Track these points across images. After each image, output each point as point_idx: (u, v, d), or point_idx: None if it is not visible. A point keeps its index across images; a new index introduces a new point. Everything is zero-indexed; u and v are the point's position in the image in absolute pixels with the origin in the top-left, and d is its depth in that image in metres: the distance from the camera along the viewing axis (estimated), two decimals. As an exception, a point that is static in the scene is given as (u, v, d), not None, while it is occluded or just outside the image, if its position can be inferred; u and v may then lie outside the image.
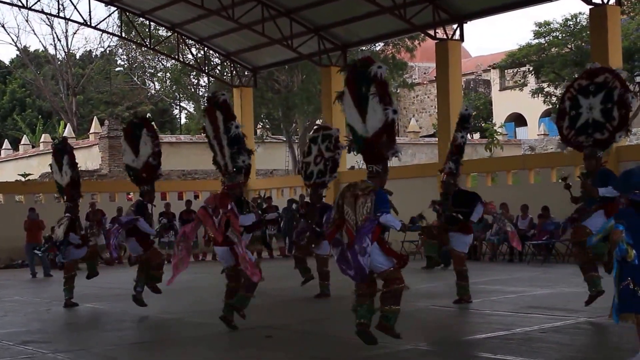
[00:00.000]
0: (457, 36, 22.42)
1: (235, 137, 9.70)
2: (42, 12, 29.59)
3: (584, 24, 33.65)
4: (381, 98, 7.85)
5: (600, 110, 9.88)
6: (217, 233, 9.47)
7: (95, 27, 28.05)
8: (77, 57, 52.56)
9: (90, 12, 33.57)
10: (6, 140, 46.89)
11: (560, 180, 10.36)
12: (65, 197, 13.47)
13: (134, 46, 42.56)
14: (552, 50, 36.09)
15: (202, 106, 40.03)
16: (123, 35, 32.04)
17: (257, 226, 11.13)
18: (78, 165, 13.41)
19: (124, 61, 50.93)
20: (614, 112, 9.78)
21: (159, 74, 44.72)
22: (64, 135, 38.64)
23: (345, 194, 7.97)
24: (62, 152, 13.43)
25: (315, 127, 15.10)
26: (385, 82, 7.99)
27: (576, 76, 10.73)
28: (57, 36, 54.52)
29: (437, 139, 26.83)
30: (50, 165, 13.90)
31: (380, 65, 7.92)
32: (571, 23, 35.47)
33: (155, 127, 12.66)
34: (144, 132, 12.14)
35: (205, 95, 39.83)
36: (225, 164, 9.80)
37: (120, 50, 48.62)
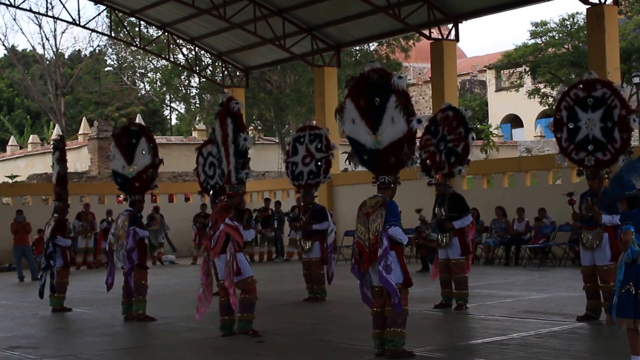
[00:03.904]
0: (452, 36, 22.33)
1: (243, 150, 9.71)
2: (30, 10, 29.24)
3: (581, 23, 33.57)
4: (404, 108, 7.88)
5: (600, 129, 9.73)
6: (214, 250, 9.52)
7: (84, 27, 27.78)
8: (66, 56, 52.20)
9: (79, 10, 33.65)
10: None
11: (565, 195, 10.25)
12: (54, 196, 13.27)
13: (123, 46, 42.32)
14: (549, 50, 35.99)
15: (194, 107, 39.94)
16: (112, 34, 31.79)
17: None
18: (66, 161, 13.20)
19: (113, 61, 50.64)
20: (614, 133, 9.63)
21: (149, 74, 44.47)
22: (53, 136, 38.32)
23: (358, 213, 8.15)
24: (56, 149, 13.27)
25: (302, 124, 15.01)
26: (407, 93, 8.05)
27: (570, 86, 10.52)
28: (45, 35, 53.92)
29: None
30: (52, 165, 13.70)
31: (401, 76, 8.01)
32: (568, 23, 35.39)
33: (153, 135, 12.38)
34: (142, 141, 11.81)
35: (197, 96, 39.69)
36: (229, 172, 9.81)
37: (110, 50, 48.34)
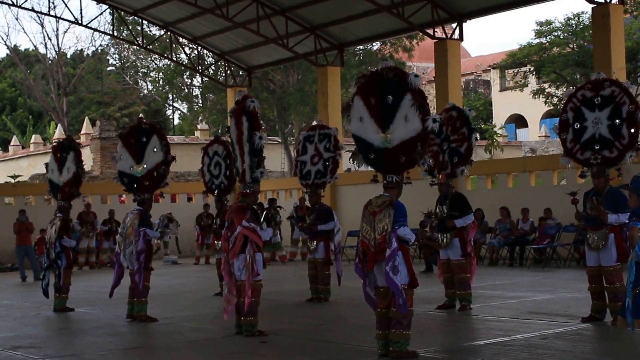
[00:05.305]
0: (456, 35, 22.22)
1: (258, 148, 9.74)
2: (33, 10, 29.06)
3: (586, 23, 33.39)
4: (420, 107, 7.86)
5: (607, 126, 9.65)
6: (232, 251, 9.48)
7: (86, 26, 27.66)
8: (68, 56, 52.16)
9: (81, 10, 33.41)
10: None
11: (568, 194, 10.19)
12: (60, 196, 13.10)
13: (126, 45, 42.25)
14: (554, 50, 35.73)
15: (196, 107, 39.89)
16: (115, 34, 31.74)
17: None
18: (84, 163, 13.12)
19: (115, 61, 50.63)
20: (622, 129, 9.55)
21: (151, 74, 44.43)
22: (55, 136, 38.29)
23: (363, 212, 8.07)
24: (68, 148, 13.13)
25: (305, 124, 14.97)
26: (423, 92, 8.03)
27: (578, 85, 10.42)
28: (47, 35, 53.70)
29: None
30: (47, 164, 13.59)
31: (417, 75, 7.98)
32: (573, 22, 35.13)
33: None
34: (154, 139, 11.75)
35: (199, 95, 39.63)
36: (243, 170, 9.82)
37: (112, 50, 48.32)
